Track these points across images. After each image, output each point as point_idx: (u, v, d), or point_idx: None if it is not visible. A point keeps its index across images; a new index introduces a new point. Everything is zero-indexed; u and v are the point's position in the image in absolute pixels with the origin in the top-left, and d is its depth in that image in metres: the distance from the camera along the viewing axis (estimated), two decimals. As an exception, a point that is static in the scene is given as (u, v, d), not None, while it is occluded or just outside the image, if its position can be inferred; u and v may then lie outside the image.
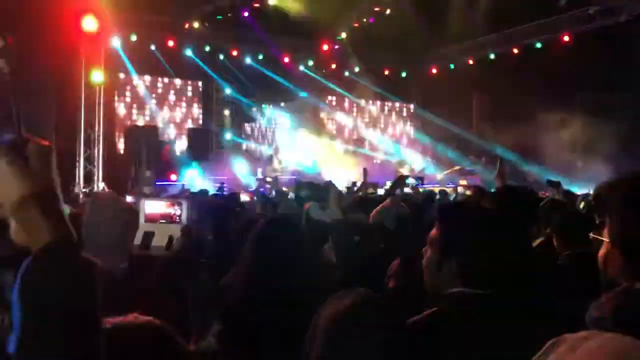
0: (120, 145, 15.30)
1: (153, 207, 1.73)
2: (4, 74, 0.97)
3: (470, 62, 18.23)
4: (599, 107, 13.57)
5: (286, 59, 17.50)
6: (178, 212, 1.74)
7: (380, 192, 8.52)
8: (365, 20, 16.71)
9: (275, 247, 2.18)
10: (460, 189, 6.25)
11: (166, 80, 17.26)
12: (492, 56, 17.58)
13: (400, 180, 5.77)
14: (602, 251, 1.43)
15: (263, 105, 18.82)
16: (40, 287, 0.84)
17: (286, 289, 1.92)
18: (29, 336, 0.83)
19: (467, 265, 1.73)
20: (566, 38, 15.87)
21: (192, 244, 1.67)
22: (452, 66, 18.87)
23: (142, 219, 1.74)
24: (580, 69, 14.20)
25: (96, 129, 12.53)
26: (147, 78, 16.92)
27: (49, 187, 0.91)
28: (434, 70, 19.57)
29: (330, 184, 4.98)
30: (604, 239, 1.43)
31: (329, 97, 19.82)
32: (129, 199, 6.17)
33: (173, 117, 17.49)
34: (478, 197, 4.90)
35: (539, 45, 16.45)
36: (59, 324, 0.83)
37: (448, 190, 10.08)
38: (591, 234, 2.00)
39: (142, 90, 16.89)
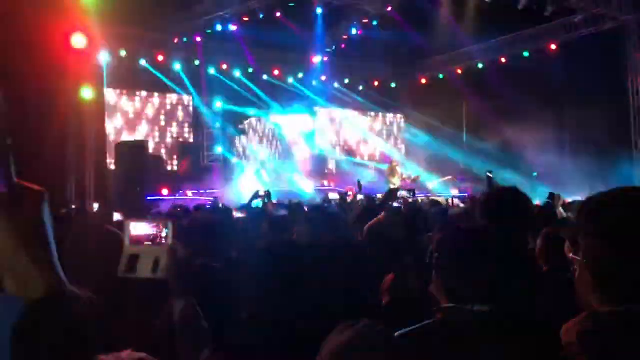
0: (109, 161, 15.22)
1: (137, 228, 1.70)
2: None
3: (459, 71, 18.36)
4: (585, 116, 13.67)
5: (276, 72, 17.57)
6: (164, 234, 1.70)
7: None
8: (353, 32, 16.79)
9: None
10: (455, 201, 6.27)
11: (156, 94, 17.21)
12: (480, 65, 17.72)
13: (391, 194, 5.78)
14: (577, 272, 1.42)
15: (253, 119, 18.82)
16: (32, 338, 0.84)
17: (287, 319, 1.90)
18: None
19: (450, 281, 1.74)
20: (553, 47, 16.04)
21: (178, 266, 1.64)
22: (441, 76, 19.00)
23: (127, 241, 1.70)
24: (567, 77, 14.36)
25: (87, 145, 12.43)
26: (137, 93, 16.88)
27: (42, 236, 0.90)
28: (424, 81, 19.69)
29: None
30: (579, 259, 1.42)
31: (320, 109, 19.84)
32: (117, 216, 6.13)
33: (163, 132, 17.42)
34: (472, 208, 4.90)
35: (526, 54, 16.60)
36: None
37: (440, 200, 10.08)
38: (571, 254, 2.00)
39: (131, 105, 16.85)
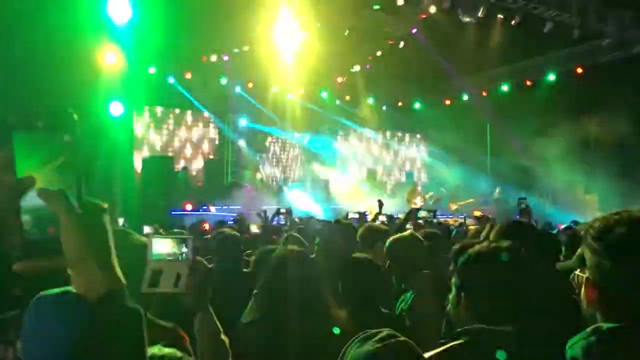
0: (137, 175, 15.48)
1: (160, 244, 1.77)
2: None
3: (484, 93, 18.31)
4: (613, 139, 13.48)
5: (301, 91, 17.73)
6: (184, 249, 1.77)
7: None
8: (379, 53, 16.90)
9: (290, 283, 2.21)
10: (469, 220, 6.25)
11: (182, 111, 17.49)
12: (505, 88, 17.65)
13: (412, 214, 5.78)
14: (583, 287, 1.45)
15: (276, 137, 18.99)
16: (97, 334, 0.97)
17: (293, 327, 1.93)
18: None
19: (478, 303, 1.74)
20: (579, 70, 15.91)
21: (199, 280, 1.71)
22: (465, 98, 18.96)
23: (149, 257, 1.77)
24: (593, 100, 14.21)
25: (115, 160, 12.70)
26: (163, 109, 17.18)
27: (104, 242, 1.06)
28: (447, 102, 19.66)
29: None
30: (585, 275, 1.46)
31: (343, 129, 19.93)
32: (147, 229, 6.23)
33: (188, 148, 17.68)
34: (486, 228, 4.87)
35: (551, 77, 16.48)
36: None
37: (460, 221, 9.99)
38: (577, 272, 2.01)
39: (159, 121, 17.16)
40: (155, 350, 1.31)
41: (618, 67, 14.52)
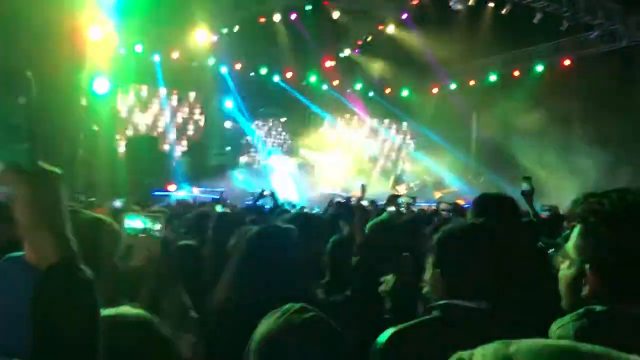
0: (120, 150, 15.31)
1: (133, 220, 1.76)
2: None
3: (472, 82, 18.32)
4: (599, 132, 13.57)
5: (289, 74, 17.60)
6: (157, 226, 1.75)
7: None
8: (368, 38, 16.82)
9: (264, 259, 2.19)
10: (442, 206, 6.34)
11: (167, 90, 17.27)
12: (493, 77, 17.66)
13: (392, 199, 5.79)
14: (570, 272, 1.42)
15: (264, 118, 18.90)
16: (48, 302, 0.97)
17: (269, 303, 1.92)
18: (43, 343, 0.96)
19: (452, 279, 1.74)
20: (567, 62, 15.96)
21: (169, 256, 1.69)
22: (453, 87, 18.96)
23: (123, 232, 1.77)
24: (580, 93, 14.29)
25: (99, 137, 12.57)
26: (149, 88, 16.96)
27: (59, 211, 1.03)
28: (435, 90, 19.66)
29: None
30: (570, 259, 1.42)
31: (329, 113, 19.86)
32: (117, 204, 6.19)
33: (174, 129, 17.51)
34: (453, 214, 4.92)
35: (539, 68, 16.51)
36: (67, 333, 0.97)
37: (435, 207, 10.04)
38: (549, 251, 2.00)
39: (144, 100, 16.96)
40: (123, 310, 1.30)
41: (606, 60, 14.58)
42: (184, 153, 17.33)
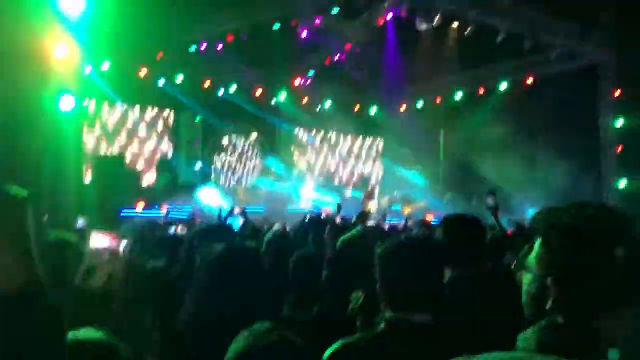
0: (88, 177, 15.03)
1: (96, 240, 1.73)
2: None
3: (438, 100, 18.65)
4: (561, 149, 13.92)
5: (259, 91, 17.64)
6: (121, 246, 1.74)
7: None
8: (336, 57, 17.00)
9: (231, 276, 2.18)
10: (410, 222, 6.40)
11: (137, 109, 17.10)
12: (459, 96, 18.00)
13: (362, 216, 5.83)
14: (532, 285, 1.44)
15: (234, 135, 18.83)
16: (7, 329, 0.94)
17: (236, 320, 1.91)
18: None
19: (392, 291, 1.77)
20: (529, 81, 16.39)
21: (133, 276, 1.67)
22: (420, 104, 19.27)
23: (86, 252, 1.74)
24: (542, 112, 14.68)
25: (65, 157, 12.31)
26: (118, 106, 16.75)
27: (23, 236, 1.01)
28: (403, 108, 19.93)
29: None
30: (532, 271, 1.45)
31: (300, 131, 19.93)
32: (80, 222, 6.08)
33: (143, 147, 17.30)
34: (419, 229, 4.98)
35: (502, 86, 16.91)
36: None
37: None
38: (513, 266, 2.05)
39: (111, 119, 16.75)
40: (83, 334, 1.27)
41: (567, 78, 15.00)
42: (153, 171, 17.12)
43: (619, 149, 15.26)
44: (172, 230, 7.22)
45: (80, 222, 8.51)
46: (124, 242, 1.74)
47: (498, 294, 2.54)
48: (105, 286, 1.66)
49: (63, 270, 1.79)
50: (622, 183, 15.02)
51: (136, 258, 1.80)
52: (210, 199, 13.75)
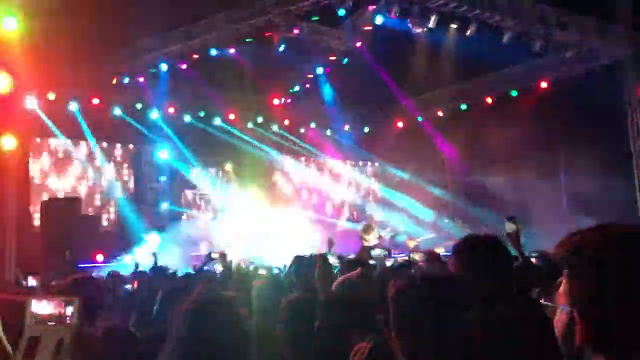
0: (36, 222, 14.86)
1: (39, 307, 1.66)
2: None
3: (440, 113, 18.76)
4: (582, 161, 14.00)
5: (232, 116, 17.60)
6: (69, 312, 1.67)
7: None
8: (319, 70, 17.05)
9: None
10: (416, 257, 6.29)
11: (91, 143, 16.92)
12: (463, 106, 18.11)
13: (363, 251, 5.76)
14: (563, 318, 1.43)
15: (206, 168, 18.72)
16: None
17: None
18: None
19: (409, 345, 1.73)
20: (544, 84, 16.49)
21: (84, 345, 1.60)
22: (420, 119, 19.35)
23: (28, 320, 1.66)
24: (561, 117, 14.76)
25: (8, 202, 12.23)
26: (69, 142, 16.62)
27: None
28: (400, 124, 20.01)
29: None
30: (561, 306, 1.43)
31: (282, 157, 19.86)
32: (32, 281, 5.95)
33: (99, 187, 17.13)
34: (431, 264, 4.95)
35: (514, 93, 17.02)
36: None
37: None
38: (542, 300, 2.01)
39: (61, 156, 16.63)
40: None
41: (585, 79, 15.12)
42: (113, 216, 16.97)
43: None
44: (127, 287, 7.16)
45: (32, 282, 8.32)
46: (69, 308, 1.67)
47: (529, 337, 2.48)
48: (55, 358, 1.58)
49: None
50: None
51: (87, 325, 1.75)
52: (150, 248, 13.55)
